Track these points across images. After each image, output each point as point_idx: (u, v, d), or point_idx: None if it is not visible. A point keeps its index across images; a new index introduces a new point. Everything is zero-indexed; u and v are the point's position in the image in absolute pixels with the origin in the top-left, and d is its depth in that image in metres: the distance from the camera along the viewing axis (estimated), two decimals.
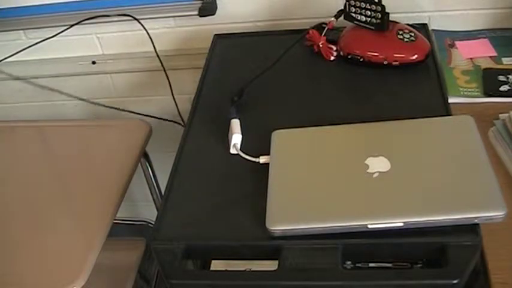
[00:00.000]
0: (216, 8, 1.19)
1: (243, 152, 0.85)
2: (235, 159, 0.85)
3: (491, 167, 0.72)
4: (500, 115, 0.85)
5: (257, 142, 0.86)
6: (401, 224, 0.68)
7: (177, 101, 1.33)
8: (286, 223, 0.71)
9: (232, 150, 0.86)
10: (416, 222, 0.68)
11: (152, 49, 1.26)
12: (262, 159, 0.82)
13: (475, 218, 0.67)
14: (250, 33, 1.17)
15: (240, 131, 0.88)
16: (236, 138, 0.86)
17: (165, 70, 1.26)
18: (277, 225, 0.71)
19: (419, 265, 0.73)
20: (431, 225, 0.67)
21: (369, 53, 0.98)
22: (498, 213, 0.66)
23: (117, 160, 1.10)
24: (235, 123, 0.89)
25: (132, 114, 1.41)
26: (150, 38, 1.23)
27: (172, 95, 1.28)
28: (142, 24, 1.21)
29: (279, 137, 0.84)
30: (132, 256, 1.24)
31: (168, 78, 1.27)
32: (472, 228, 0.68)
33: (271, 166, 0.79)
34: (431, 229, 0.67)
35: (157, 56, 1.25)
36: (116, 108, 1.41)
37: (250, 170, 0.82)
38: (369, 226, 0.68)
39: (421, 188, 0.71)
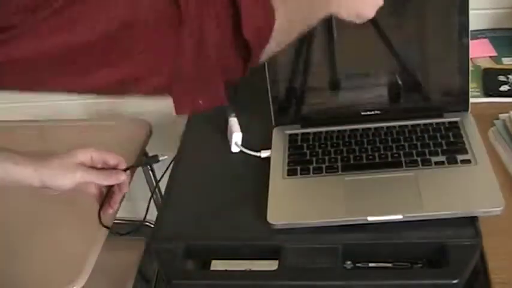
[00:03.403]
0: None
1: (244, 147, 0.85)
2: (235, 158, 0.85)
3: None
4: (500, 115, 0.84)
5: (257, 141, 0.86)
6: (401, 217, 0.68)
7: None
8: (287, 217, 0.71)
9: (233, 148, 0.86)
10: (415, 215, 0.68)
11: None
12: (264, 154, 0.82)
13: (473, 211, 0.67)
14: None
15: (239, 128, 0.87)
16: (236, 136, 0.86)
17: None
18: (278, 219, 0.71)
19: (419, 265, 0.73)
20: (430, 218, 0.68)
21: None
22: (496, 208, 0.67)
23: None
24: (234, 122, 0.89)
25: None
26: None
27: None
28: None
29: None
30: (132, 256, 1.23)
31: None
32: (471, 228, 0.68)
33: (272, 161, 0.80)
34: (430, 223, 0.68)
35: None
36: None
37: (250, 169, 0.82)
38: (369, 219, 0.69)
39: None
